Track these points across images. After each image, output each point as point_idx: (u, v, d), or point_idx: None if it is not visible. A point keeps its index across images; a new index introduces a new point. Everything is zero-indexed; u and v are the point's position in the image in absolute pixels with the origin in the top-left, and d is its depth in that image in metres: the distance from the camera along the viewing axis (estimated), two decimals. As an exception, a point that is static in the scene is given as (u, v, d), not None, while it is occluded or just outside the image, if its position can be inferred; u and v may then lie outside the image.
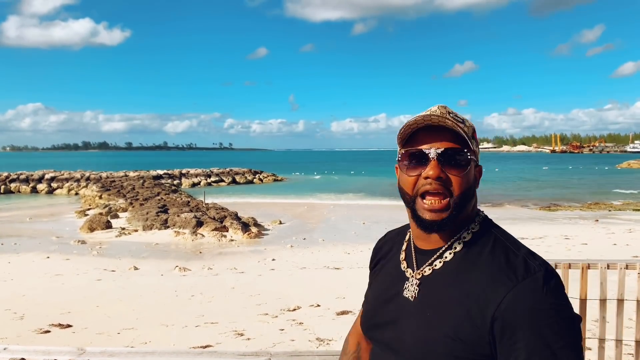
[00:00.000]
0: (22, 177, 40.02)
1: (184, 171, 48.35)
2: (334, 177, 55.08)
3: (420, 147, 1.08)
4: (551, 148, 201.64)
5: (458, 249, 1.09)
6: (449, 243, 1.10)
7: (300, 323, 6.58)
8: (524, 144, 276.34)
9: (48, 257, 12.82)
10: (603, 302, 3.17)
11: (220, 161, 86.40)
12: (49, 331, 6.40)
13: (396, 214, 20.56)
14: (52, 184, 38.71)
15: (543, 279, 0.98)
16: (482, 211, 1.16)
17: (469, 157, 1.07)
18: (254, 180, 48.52)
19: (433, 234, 1.11)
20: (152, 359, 1.91)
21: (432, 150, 1.06)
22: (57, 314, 7.14)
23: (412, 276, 1.13)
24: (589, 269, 3.15)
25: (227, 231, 17.04)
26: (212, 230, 16.89)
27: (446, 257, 1.09)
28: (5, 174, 40.56)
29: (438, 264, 1.10)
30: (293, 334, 6.10)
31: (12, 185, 38.13)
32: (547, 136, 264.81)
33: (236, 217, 18.94)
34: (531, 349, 0.94)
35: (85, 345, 2.33)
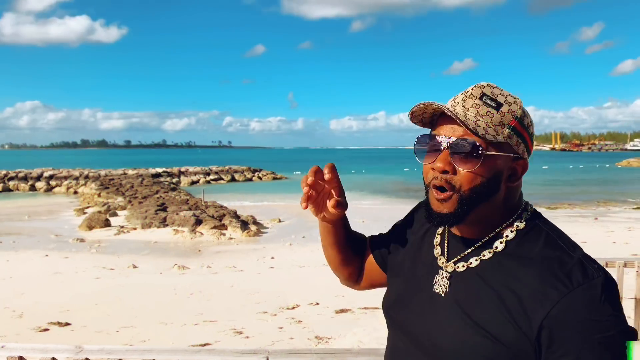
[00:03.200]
0: (20, 175, 39.94)
1: (183, 169, 48.29)
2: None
3: (434, 134, 1.00)
4: (551, 146, 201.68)
5: (500, 248, 0.99)
6: (487, 239, 1.00)
7: (299, 321, 6.58)
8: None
9: (47, 256, 12.81)
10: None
11: (219, 159, 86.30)
12: (47, 329, 6.40)
13: (396, 213, 20.34)
14: (50, 182, 38.64)
15: (602, 286, 0.87)
16: (531, 205, 1.05)
17: (480, 152, 0.94)
18: (253, 178, 48.51)
19: (463, 226, 1.02)
20: (150, 357, 1.91)
21: (444, 139, 0.97)
22: (56, 312, 7.14)
23: (443, 269, 1.05)
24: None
25: (226, 229, 17.03)
26: (211, 228, 16.87)
27: (484, 256, 0.99)
28: (4, 172, 40.45)
29: (474, 262, 1.00)
30: (292, 332, 6.10)
31: (11, 183, 38.07)
32: (547, 134, 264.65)
33: (235, 216, 18.92)
34: None
35: (84, 343, 2.32)
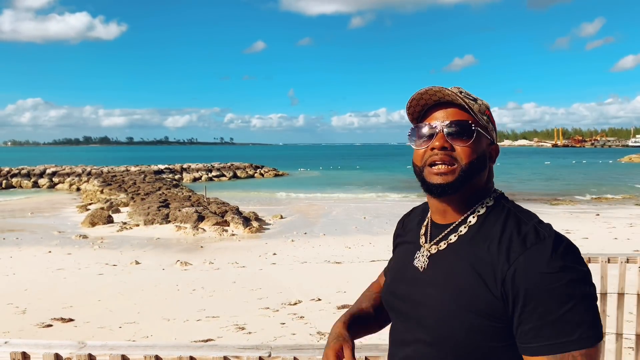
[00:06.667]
0: (23, 172, 40.04)
1: (185, 166, 48.35)
2: (335, 172, 55.03)
3: (426, 122, 1.15)
4: (553, 142, 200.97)
5: (473, 222, 1.12)
6: (464, 217, 1.13)
7: (301, 317, 6.60)
8: (525, 138, 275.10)
9: (50, 252, 12.86)
10: (603, 296, 3.17)
11: (221, 156, 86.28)
12: (51, 325, 6.44)
13: (397, 209, 20.55)
14: (53, 179, 38.72)
15: (552, 243, 1.00)
16: (498, 189, 1.20)
17: (472, 128, 1.11)
18: (255, 175, 48.50)
19: (447, 207, 1.14)
20: (153, 353, 1.92)
21: (438, 123, 1.12)
22: (59, 308, 7.18)
23: (424, 247, 1.18)
24: (589, 262, 3.15)
25: (228, 226, 17.05)
26: (213, 224, 16.90)
27: (461, 231, 1.12)
28: (7, 168, 40.58)
29: (453, 238, 1.13)
30: (294, 328, 6.12)
31: (14, 180, 38.15)
32: (548, 130, 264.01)
33: (237, 212, 18.95)
34: (540, 314, 0.96)
35: (87, 339, 2.33)
